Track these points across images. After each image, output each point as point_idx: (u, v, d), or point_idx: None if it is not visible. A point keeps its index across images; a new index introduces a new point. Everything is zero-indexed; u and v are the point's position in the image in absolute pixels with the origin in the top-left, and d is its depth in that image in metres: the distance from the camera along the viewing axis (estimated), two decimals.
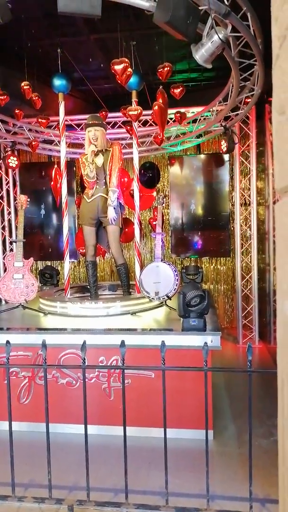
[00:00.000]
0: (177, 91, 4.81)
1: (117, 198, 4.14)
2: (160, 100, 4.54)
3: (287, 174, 0.57)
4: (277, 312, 0.60)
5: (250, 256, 5.95)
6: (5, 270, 4.43)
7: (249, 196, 5.95)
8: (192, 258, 6.90)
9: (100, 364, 3.27)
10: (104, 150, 4.15)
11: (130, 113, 4.49)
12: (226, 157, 6.59)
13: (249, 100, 4.65)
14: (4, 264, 5.76)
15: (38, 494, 2.36)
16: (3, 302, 4.73)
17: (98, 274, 5.15)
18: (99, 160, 4.15)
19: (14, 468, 2.28)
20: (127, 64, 3.78)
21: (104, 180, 4.18)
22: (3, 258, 6.23)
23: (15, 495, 2.30)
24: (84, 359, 2.21)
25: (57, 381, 3.33)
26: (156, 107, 4.56)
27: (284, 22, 0.51)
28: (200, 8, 2.66)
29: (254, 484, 2.14)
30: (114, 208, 4.10)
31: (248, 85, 4.29)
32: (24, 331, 3.51)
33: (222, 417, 3.49)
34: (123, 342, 2.15)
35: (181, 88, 4.82)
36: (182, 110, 5.42)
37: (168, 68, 4.26)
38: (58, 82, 4.50)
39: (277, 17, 0.52)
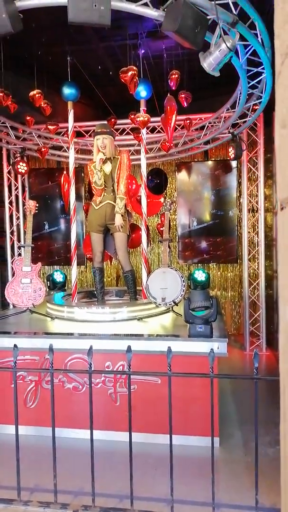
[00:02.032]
0: (185, 98, 4.85)
1: (125, 205, 4.17)
2: (169, 108, 4.58)
3: None
4: (279, 319, 0.61)
5: (258, 262, 5.93)
6: (13, 275, 4.46)
7: (257, 202, 5.95)
8: (199, 265, 6.89)
9: (106, 369, 3.28)
10: (112, 158, 4.18)
11: (138, 119, 4.53)
12: (234, 163, 6.60)
13: (257, 107, 4.66)
14: (12, 269, 5.82)
15: (43, 498, 2.36)
16: (11, 306, 4.76)
17: (105, 280, 5.17)
18: (107, 167, 4.18)
19: (20, 472, 2.29)
20: (134, 72, 3.83)
21: (112, 188, 4.22)
22: (12, 263, 6.29)
23: (21, 499, 2.31)
24: (91, 364, 2.22)
25: (64, 385, 3.34)
26: (164, 115, 4.60)
27: (286, 40, 0.52)
28: (208, 17, 2.69)
29: (260, 492, 2.13)
30: (122, 215, 4.14)
31: (256, 93, 4.31)
32: (31, 335, 3.53)
33: (229, 424, 3.47)
34: (129, 347, 2.16)
35: (189, 95, 4.86)
36: (190, 116, 5.46)
37: (177, 76, 4.30)
38: (67, 90, 4.57)
39: (279, 34, 0.54)
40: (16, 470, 2.29)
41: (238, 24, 2.78)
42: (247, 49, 3.30)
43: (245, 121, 5.13)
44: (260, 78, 3.94)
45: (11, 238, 6.78)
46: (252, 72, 3.75)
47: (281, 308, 0.60)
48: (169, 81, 4.53)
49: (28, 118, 5.59)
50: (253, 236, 6.13)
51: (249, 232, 6.03)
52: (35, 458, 2.91)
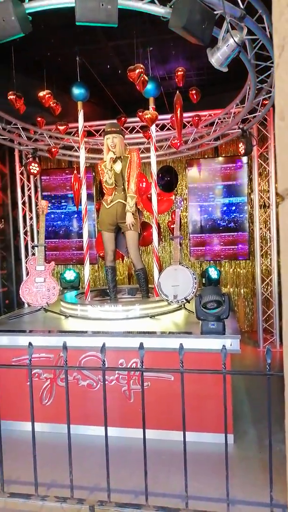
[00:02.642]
0: (193, 94, 4.83)
1: (136, 203, 4.19)
2: (177, 106, 4.58)
3: None
4: (282, 314, 0.61)
5: (270, 258, 5.88)
6: (27, 274, 4.52)
7: (268, 198, 5.90)
8: (211, 262, 6.87)
9: (120, 367, 3.30)
10: (122, 157, 4.19)
11: (146, 117, 4.54)
12: (244, 159, 6.55)
13: (266, 102, 4.62)
14: (26, 268, 5.90)
15: (60, 494, 2.40)
16: (26, 305, 4.83)
17: (117, 278, 5.20)
18: (118, 166, 4.19)
19: (36, 468, 2.34)
20: (141, 70, 3.83)
21: (122, 187, 4.23)
22: (26, 262, 6.37)
23: (38, 494, 2.35)
24: (104, 361, 2.24)
25: (78, 383, 3.38)
26: (174, 113, 4.60)
27: (282, 32, 0.52)
28: (215, 12, 2.68)
29: (275, 489, 2.12)
30: (133, 214, 4.15)
31: (265, 87, 4.27)
32: (46, 333, 3.58)
33: (243, 421, 3.46)
34: (141, 344, 2.17)
35: (197, 92, 4.84)
36: (199, 113, 5.44)
37: (182, 73, 4.29)
38: (77, 91, 4.59)
39: (276, 28, 0.54)
40: (33, 466, 2.33)
41: (245, 18, 2.76)
42: (255, 43, 3.28)
43: (255, 116, 5.09)
44: (269, 72, 3.90)
45: (24, 238, 6.86)
46: (261, 67, 3.72)
47: (284, 303, 0.60)
48: (175, 78, 4.52)
49: (39, 119, 5.64)
50: (265, 232, 6.08)
51: (261, 228, 5.98)
52: (52, 454, 2.96)
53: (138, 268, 4.38)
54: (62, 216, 7.36)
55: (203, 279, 5.76)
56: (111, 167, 4.14)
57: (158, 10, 2.75)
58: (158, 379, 3.21)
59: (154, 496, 2.33)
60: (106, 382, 3.01)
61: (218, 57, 2.84)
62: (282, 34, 0.53)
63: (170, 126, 5.89)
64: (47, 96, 4.99)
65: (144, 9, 2.77)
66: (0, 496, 2.41)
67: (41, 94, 5.00)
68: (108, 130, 4.16)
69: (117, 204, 4.24)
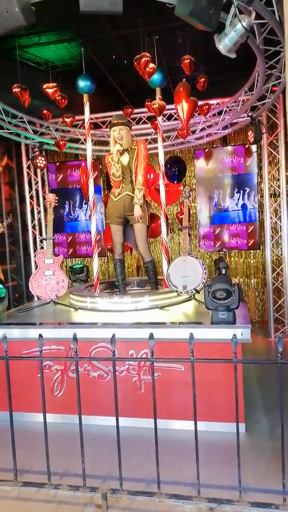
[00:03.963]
0: (201, 82, 4.76)
1: (143, 196, 4.16)
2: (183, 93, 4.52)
3: None
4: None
5: (281, 248, 5.82)
6: (36, 268, 4.55)
7: (279, 187, 5.82)
8: (221, 252, 6.83)
9: (130, 357, 3.31)
10: (129, 149, 4.15)
11: (154, 106, 4.49)
12: (253, 148, 6.47)
13: (276, 88, 4.53)
14: (35, 262, 5.93)
15: (73, 482, 2.43)
16: (36, 298, 4.86)
17: (125, 271, 5.20)
18: (125, 159, 4.16)
19: (49, 458, 2.36)
20: (148, 59, 3.78)
21: (130, 179, 4.20)
22: (34, 256, 6.41)
23: (51, 483, 2.38)
24: (114, 351, 2.25)
25: (89, 374, 3.40)
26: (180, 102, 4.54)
27: None
28: None
29: (287, 477, 2.12)
30: (141, 206, 4.13)
31: (275, 73, 4.18)
32: (56, 325, 3.61)
33: (255, 411, 3.46)
34: (151, 334, 2.17)
35: (204, 80, 4.76)
36: (208, 102, 5.36)
37: (189, 61, 4.22)
38: (82, 83, 4.55)
39: (286, 2, 0.52)
40: (46, 456, 2.36)
41: (253, 2, 2.69)
42: (264, 27, 3.20)
43: (264, 103, 5.00)
44: (278, 57, 3.82)
45: (33, 232, 6.89)
46: (270, 52, 3.64)
47: None
48: (182, 66, 4.46)
49: (45, 112, 5.63)
50: (276, 221, 6.01)
51: (271, 217, 5.91)
52: (64, 444, 2.99)
53: (147, 260, 4.37)
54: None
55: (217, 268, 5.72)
56: (118, 160, 4.11)
57: None
58: (168, 369, 3.21)
59: (166, 484, 2.34)
60: (117, 373, 3.02)
61: (226, 43, 2.78)
62: None
63: (177, 116, 5.83)
64: (52, 88, 4.96)
65: None
66: (14, 485, 2.44)
67: (45, 86, 4.96)
68: (115, 122, 4.12)
69: (125, 197, 4.21)
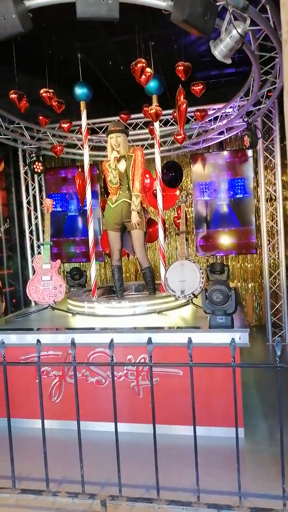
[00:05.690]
0: (197, 88, 4.79)
1: (141, 202, 4.17)
2: (182, 98, 4.55)
3: None
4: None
5: (278, 252, 5.84)
6: (34, 273, 4.54)
7: (275, 191, 5.85)
8: (218, 256, 6.84)
9: (128, 362, 3.30)
10: (126, 156, 4.17)
11: (151, 112, 4.51)
12: (249, 152, 6.50)
13: (271, 94, 4.57)
14: (33, 267, 5.92)
15: (71, 489, 2.41)
16: (33, 303, 4.85)
17: (123, 277, 5.19)
18: (122, 165, 4.17)
19: (47, 465, 2.34)
20: (144, 65, 3.81)
21: (127, 186, 4.20)
22: (32, 261, 6.40)
23: (50, 490, 2.36)
24: (112, 356, 2.24)
25: (87, 379, 3.39)
26: (177, 107, 4.57)
27: None
28: (217, 3, 2.65)
29: (287, 482, 2.11)
30: (138, 212, 4.13)
31: (270, 79, 4.22)
32: (54, 331, 3.59)
33: (254, 416, 3.45)
34: (149, 339, 2.17)
35: (201, 86, 4.80)
36: (203, 107, 5.40)
37: (183, 67, 4.26)
38: (79, 91, 4.58)
39: (284, 3, 0.53)
40: (44, 463, 2.34)
41: (248, 9, 2.73)
42: (259, 34, 3.24)
43: (259, 109, 5.04)
44: (273, 63, 3.86)
45: (30, 238, 6.89)
46: (265, 58, 3.68)
47: None
48: (176, 72, 4.49)
49: (41, 117, 5.64)
50: (272, 225, 6.03)
51: (267, 221, 5.93)
52: (62, 451, 2.97)
53: (144, 266, 4.37)
54: None
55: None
56: (115, 167, 4.12)
57: (159, 3, 2.73)
58: (167, 374, 3.21)
59: (166, 490, 2.33)
60: (115, 378, 3.01)
61: (221, 49, 2.81)
62: None
63: (173, 121, 5.86)
64: (48, 94, 4.97)
65: (146, 3, 2.75)
66: (12, 492, 2.42)
67: (42, 91, 4.97)
68: (112, 129, 4.14)
69: (122, 203, 4.21)
